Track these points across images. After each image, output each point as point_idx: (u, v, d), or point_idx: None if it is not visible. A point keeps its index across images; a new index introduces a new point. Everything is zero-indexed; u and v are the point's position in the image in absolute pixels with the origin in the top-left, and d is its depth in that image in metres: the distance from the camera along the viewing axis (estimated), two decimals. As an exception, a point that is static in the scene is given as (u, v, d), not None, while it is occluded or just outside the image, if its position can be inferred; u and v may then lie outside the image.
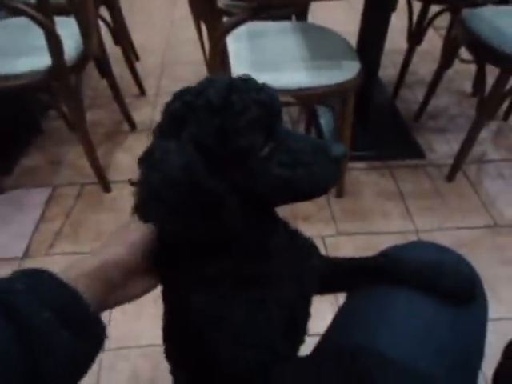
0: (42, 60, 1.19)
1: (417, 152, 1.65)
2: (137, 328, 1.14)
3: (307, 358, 0.48)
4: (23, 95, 1.59)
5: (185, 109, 0.39)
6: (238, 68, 1.15)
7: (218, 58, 1.03)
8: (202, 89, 0.40)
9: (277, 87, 1.10)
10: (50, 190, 1.56)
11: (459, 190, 1.54)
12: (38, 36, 1.13)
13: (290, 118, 1.87)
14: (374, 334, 0.50)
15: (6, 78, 1.17)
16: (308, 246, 0.56)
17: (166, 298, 0.52)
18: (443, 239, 1.35)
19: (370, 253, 0.65)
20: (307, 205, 1.48)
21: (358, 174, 1.60)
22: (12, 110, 1.67)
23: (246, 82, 0.41)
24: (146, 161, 0.40)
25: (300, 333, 0.54)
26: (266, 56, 1.24)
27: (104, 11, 1.77)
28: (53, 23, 1.12)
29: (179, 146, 0.38)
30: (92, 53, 1.36)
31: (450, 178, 1.55)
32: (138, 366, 1.07)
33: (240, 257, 0.46)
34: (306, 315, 0.54)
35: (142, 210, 0.40)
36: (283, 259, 0.49)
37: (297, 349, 0.55)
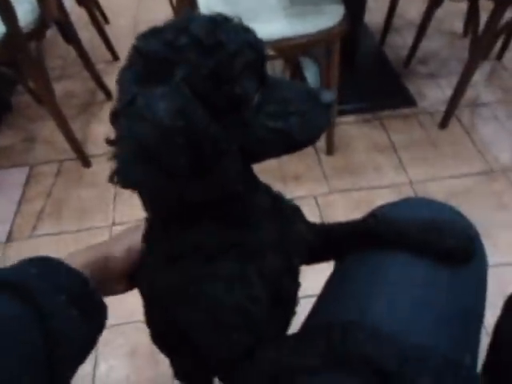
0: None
1: (408, 100, 1.58)
2: (131, 304, 1.11)
3: (294, 336, 0.44)
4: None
5: (168, 49, 0.33)
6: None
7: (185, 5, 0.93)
8: (181, 26, 0.34)
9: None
10: (28, 169, 1.49)
11: (453, 136, 1.48)
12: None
13: (273, 72, 1.77)
14: (366, 306, 0.46)
15: None
16: (292, 211, 0.51)
17: (138, 279, 0.48)
18: (438, 189, 1.31)
19: (364, 209, 0.61)
20: (297, 164, 1.42)
21: (348, 128, 1.53)
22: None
23: (228, 20, 0.35)
24: (125, 112, 0.33)
25: (288, 307, 0.50)
26: (241, 5, 1.13)
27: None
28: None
29: (171, 89, 0.32)
30: (51, 16, 1.24)
31: (443, 124, 1.49)
32: (135, 341, 1.06)
33: (220, 222, 0.42)
34: (294, 287, 0.50)
35: (123, 174, 0.33)
36: (265, 225, 0.45)
37: (286, 324, 0.51)
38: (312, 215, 1.38)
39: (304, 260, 0.54)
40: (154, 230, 0.46)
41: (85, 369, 1.02)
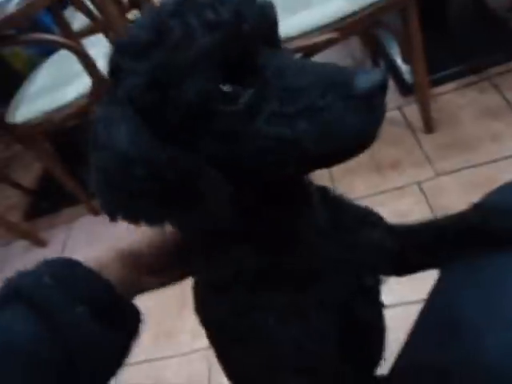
0: (84, 83, 1.22)
1: (523, 47, 1.29)
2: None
3: None
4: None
5: (117, 55, 0.29)
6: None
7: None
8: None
9: (314, 26, 0.96)
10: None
11: None
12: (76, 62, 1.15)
13: (353, 59, 1.63)
14: (478, 341, 0.34)
15: (59, 110, 1.22)
16: (360, 218, 0.41)
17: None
18: None
19: (484, 190, 0.46)
20: (392, 149, 1.27)
21: (449, 97, 1.31)
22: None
23: None
24: (92, 138, 0.29)
25: (370, 338, 0.41)
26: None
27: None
28: (79, 44, 1.12)
29: (118, 109, 0.28)
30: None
31: None
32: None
33: (259, 249, 0.35)
34: (371, 312, 0.40)
35: (102, 203, 0.30)
36: (320, 244, 0.37)
37: (373, 359, 0.42)
38: (418, 206, 1.21)
39: (388, 273, 0.44)
40: (194, 255, 0.41)
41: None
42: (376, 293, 0.41)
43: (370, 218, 0.42)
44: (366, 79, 0.25)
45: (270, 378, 0.36)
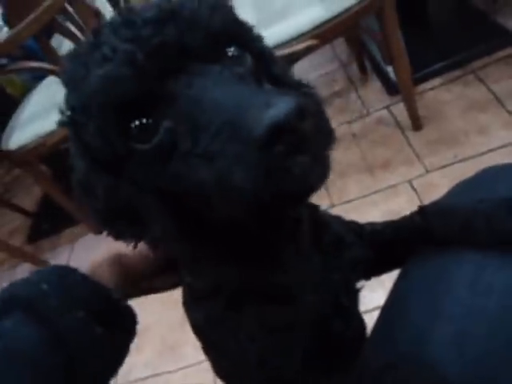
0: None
1: (505, 38, 1.29)
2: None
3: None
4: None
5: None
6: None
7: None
8: None
9: (293, 35, 0.97)
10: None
11: None
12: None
13: (340, 62, 1.65)
14: (424, 337, 0.35)
15: (51, 133, 1.25)
16: (342, 238, 0.42)
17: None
18: None
19: None
20: (382, 149, 1.28)
21: (435, 94, 1.32)
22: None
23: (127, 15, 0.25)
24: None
25: (347, 353, 0.41)
26: (271, 7, 1.08)
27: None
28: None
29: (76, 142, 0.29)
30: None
31: None
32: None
33: (242, 264, 0.36)
34: (347, 329, 0.40)
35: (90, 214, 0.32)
36: (301, 265, 0.37)
37: (346, 362, 0.43)
38: (410, 203, 1.22)
39: (357, 287, 0.45)
40: (180, 264, 0.42)
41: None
42: (351, 311, 0.42)
43: (348, 240, 0.42)
44: (263, 119, 0.20)
45: (240, 381, 0.39)
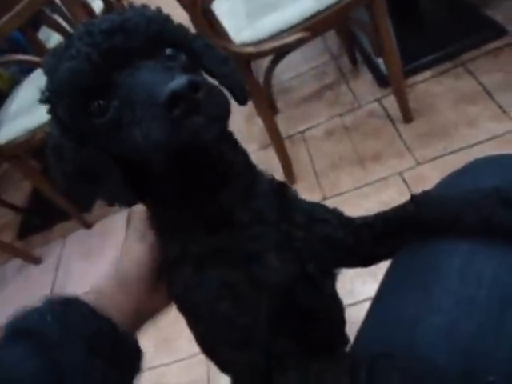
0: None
1: (494, 31, 1.30)
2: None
3: (321, 363, 0.37)
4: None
5: None
6: (233, 24, 1.01)
7: (201, 19, 0.91)
8: None
9: (283, 27, 0.97)
10: (127, 211, 1.64)
11: None
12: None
13: (331, 54, 1.64)
14: (415, 326, 0.35)
15: (40, 127, 1.23)
16: (309, 212, 0.44)
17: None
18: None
19: None
20: (373, 142, 1.29)
21: (425, 86, 1.33)
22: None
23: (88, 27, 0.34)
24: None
25: (318, 319, 0.43)
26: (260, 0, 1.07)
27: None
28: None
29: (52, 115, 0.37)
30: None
31: (551, 45, 1.19)
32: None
33: (202, 227, 0.39)
34: (315, 296, 0.42)
35: (60, 185, 0.38)
36: (262, 229, 0.40)
37: (327, 336, 0.44)
38: (401, 195, 1.23)
39: (342, 264, 0.46)
40: (156, 232, 0.44)
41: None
42: (320, 280, 0.43)
43: (319, 215, 0.44)
44: (165, 89, 0.29)
45: (215, 350, 0.40)
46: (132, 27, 0.33)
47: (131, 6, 0.36)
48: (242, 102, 0.40)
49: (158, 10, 0.37)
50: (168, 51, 0.35)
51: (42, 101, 0.36)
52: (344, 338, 0.50)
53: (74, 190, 0.38)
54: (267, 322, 0.37)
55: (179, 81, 0.28)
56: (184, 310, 0.43)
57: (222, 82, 0.39)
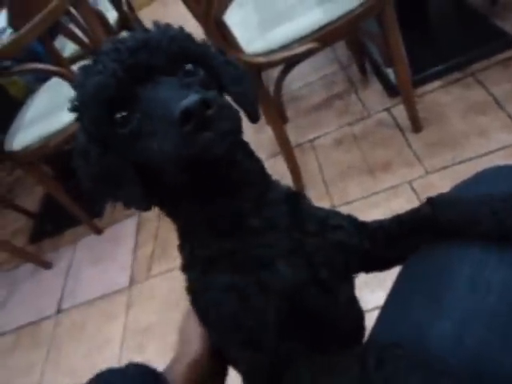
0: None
1: (505, 41, 1.30)
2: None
3: (331, 357, 0.37)
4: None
5: None
6: (245, 35, 1.03)
7: (214, 30, 0.93)
8: None
9: (294, 37, 0.99)
10: (137, 217, 1.66)
11: None
12: (69, 87, 1.19)
13: (340, 64, 1.66)
14: (424, 331, 0.36)
15: (55, 134, 1.26)
16: (325, 221, 0.45)
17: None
18: None
19: None
20: (383, 151, 1.29)
21: (435, 96, 1.33)
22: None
23: (115, 46, 0.36)
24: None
25: (330, 327, 0.43)
26: (273, 10, 1.09)
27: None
28: (70, 71, 1.16)
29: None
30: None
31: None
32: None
33: (212, 232, 0.41)
34: (326, 301, 0.42)
35: (84, 187, 0.41)
36: (274, 235, 0.41)
37: (346, 340, 0.44)
38: (411, 204, 1.22)
39: (357, 269, 0.47)
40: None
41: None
42: (337, 286, 0.43)
43: (333, 222, 0.45)
44: (178, 107, 0.31)
45: (225, 350, 0.42)
46: (155, 45, 0.36)
47: (156, 24, 0.39)
48: (253, 120, 0.43)
49: (181, 28, 0.39)
50: (188, 67, 0.37)
51: (71, 110, 0.38)
52: (360, 341, 0.50)
53: (96, 191, 0.40)
54: (275, 326, 0.38)
55: (192, 98, 0.30)
56: (197, 312, 0.44)
57: (237, 99, 0.41)
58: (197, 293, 0.42)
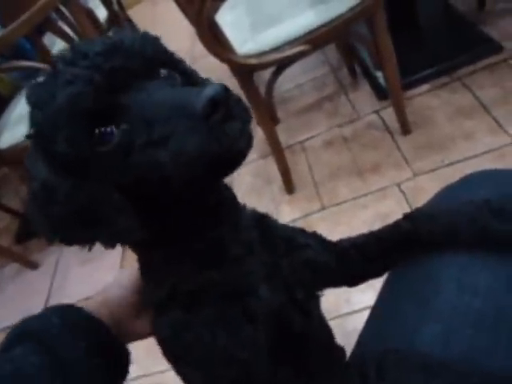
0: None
1: (491, 47, 1.33)
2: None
3: (327, 374, 0.37)
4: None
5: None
6: (237, 36, 1.03)
7: (207, 34, 0.93)
8: None
9: (285, 40, 0.99)
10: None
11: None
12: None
13: (330, 66, 1.67)
14: (415, 332, 0.37)
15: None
16: (289, 238, 0.44)
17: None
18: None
19: None
20: (372, 153, 1.30)
21: (423, 99, 1.35)
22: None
23: (74, 50, 0.32)
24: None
25: (310, 339, 0.42)
26: (265, 11, 1.10)
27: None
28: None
29: (37, 152, 0.33)
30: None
31: (545, 62, 1.22)
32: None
33: (191, 264, 0.38)
34: (305, 321, 0.42)
35: (37, 228, 0.34)
36: (250, 260, 0.39)
37: (321, 357, 0.44)
38: (399, 206, 1.24)
39: (326, 285, 0.46)
40: (142, 272, 0.43)
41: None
42: (310, 305, 0.43)
43: (300, 240, 0.44)
44: (201, 97, 0.27)
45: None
46: (129, 48, 0.32)
47: (117, 30, 0.36)
48: None
49: (145, 32, 0.35)
50: (163, 72, 0.34)
51: (30, 136, 0.33)
52: (339, 352, 0.50)
53: (68, 236, 0.34)
54: (266, 354, 0.37)
55: (215, 87, 0.27)
56: (172, 355, 0.41)
57: None
58: (174, 335, 0.39)
